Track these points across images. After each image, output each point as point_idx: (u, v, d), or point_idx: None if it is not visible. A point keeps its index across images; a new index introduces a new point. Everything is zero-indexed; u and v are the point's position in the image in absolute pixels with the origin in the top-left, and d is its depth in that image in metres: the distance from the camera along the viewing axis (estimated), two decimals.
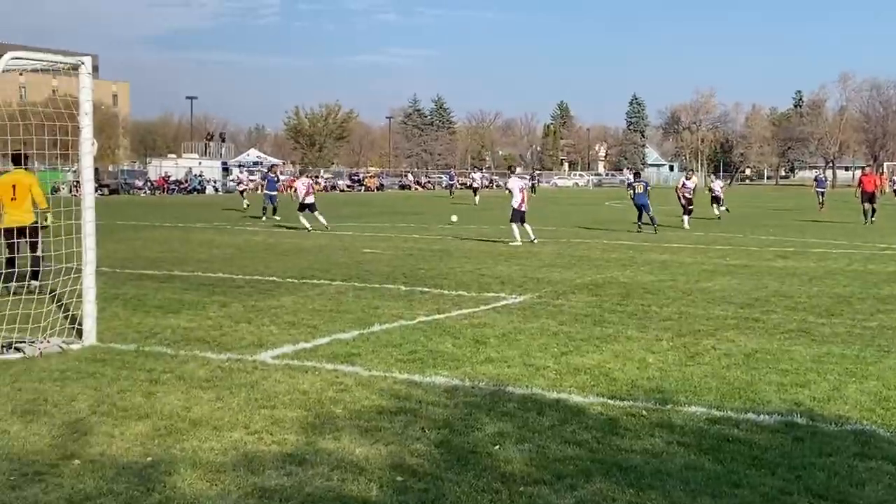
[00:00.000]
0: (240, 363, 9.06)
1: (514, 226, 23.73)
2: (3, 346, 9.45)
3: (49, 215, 13.96)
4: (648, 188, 30.08)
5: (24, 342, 9.52)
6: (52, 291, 11.48)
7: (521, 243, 23.10)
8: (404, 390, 8.01)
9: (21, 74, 10.83)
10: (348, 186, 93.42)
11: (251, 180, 49.26)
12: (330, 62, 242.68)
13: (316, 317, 11.85)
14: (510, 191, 24.33)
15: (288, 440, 6.58)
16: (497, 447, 6.45)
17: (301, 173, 45.19)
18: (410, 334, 10.63)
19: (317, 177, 44.94)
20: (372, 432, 6.76)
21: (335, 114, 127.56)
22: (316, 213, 29.20)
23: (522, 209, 23.85)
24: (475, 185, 61.97)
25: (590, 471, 5.99)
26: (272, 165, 46.91)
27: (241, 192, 49.05)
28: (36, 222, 14.20)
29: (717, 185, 40.03)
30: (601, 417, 7.25)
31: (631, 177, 33.69)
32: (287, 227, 30.06)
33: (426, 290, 14.60)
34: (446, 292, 14.34)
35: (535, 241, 23.36)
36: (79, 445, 6.42)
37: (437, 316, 12.00)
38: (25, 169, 14.53)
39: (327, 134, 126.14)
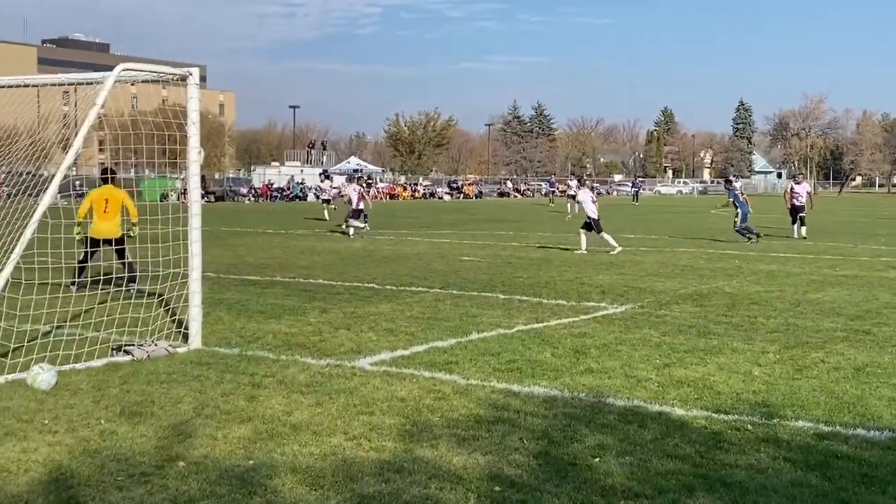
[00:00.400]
0: (339, 369, 9.17)
1: (605, 235, 23.70)
2: (113, 349, 9.77)
3: (136, 227, 14.64)
4: (736, 195, 29.20)
5: (133, 345, 9.83)
6: (159, 296, 11.82)
7: (585, 252, 23.14)
8: (502, 400, 7.98)
9: (133, 85, 11.18)
10: (447, 194, 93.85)
11: (334, 188, 46.36)
12: (430, 70, 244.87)
13: (414, 324, 11.92)
14: (580, 202, 24.65)
15: (386, 447, 6.63)
16: (597, 459, 6.38)
17: (351, 180, 42.70)
18: (509, 343, 10.60)
19: (369, 184, 42.93)
20: (470, 441, 6.75)
21: (434, 121, 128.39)
22: (360, 219, 30.21)
23: (598, 218, 23.87)
24: (571, 192, 61.34)
25: (692, 486, 5.87)
26: (357, 174, 44.45)
27: (324, 203, 44.77)
28: (122, 237, 14.87)
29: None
30: (704, 431, 7.10)
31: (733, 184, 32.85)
32: (378, 236, 30.31)
33: (525, 298, 14.54)
34: (545, 301, 14.26)
35: (586, 251, 23.24)
36: (183, 447, 6.59)
37: (535, 325, 11.94)
38: (113, 183, 15.44)
39: (426, 141, 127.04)
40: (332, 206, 42.70)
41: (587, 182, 28.51)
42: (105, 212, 15.00)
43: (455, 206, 64.24)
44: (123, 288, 13.59)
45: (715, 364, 9.56)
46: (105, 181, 15.42)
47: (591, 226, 23.79)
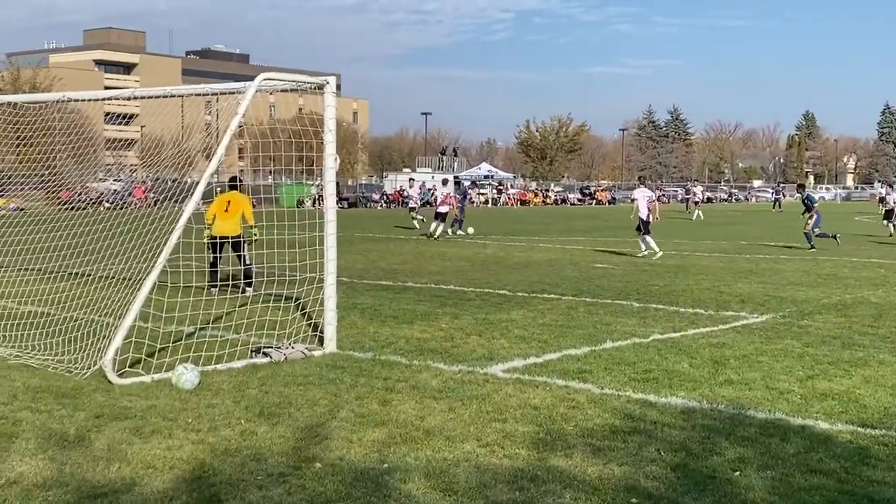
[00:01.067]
0: (471, 375, 9.21)
1: (647, 238, 23.92)
2: (252, 351, 10.08)
3: (256, 230, 15.42)
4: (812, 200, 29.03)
5: (272, 347, 10.11)
6: (296, 300, 12.13)
7: (647, 253, 23.60)
8: (638, 410, 7.87)
9: (271, 94, 11.51)
10: (579, 200, 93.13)
11: (421, 196, 45.12)
12: (562, 75, 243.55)
13: (546, 331, 11.87)
14: (635, 201, 24.98)
15: (519, 455, 6.62)
16: (737, 473, 6.21)
17: (445, 183, 43.60)
18: (644, 352, 10.45)
19: (465, 194, 40.31)
20: (605, 452, 6.68)
21: (566, 126, 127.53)
22: (443, 224, 31.93)
23: (648, 220, 24.15)
24: (696, 199, 59.84)
25: (837, 502, 5.65)
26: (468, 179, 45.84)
27: (412, 210, 41.66)
28: (240, 235, 15.83)
29: (893, 196, 35.22)
30: (850, 446, 6.82)
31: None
32: (509, 243, 30.25)
33: (660, 307, 14.30)
34: (682, 310, 13.98)
35: (644, 255, 23.53)
36: (319, 449, 6.73)
37: (672, 334, 11.73)
38: (240, 190, 16.56)
39: (558, 147, 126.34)
40: (420, 217, 39.93)
41: (647, 182, 28.92)
42: (226, 211, 15.98)
43: (587, 212, 63.71)
44: (240, 293, 14.09)
45: (860, 376, 9.18)
46: (231, 188, 16.60)
47: (639, 227, 24.09)
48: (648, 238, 23.96)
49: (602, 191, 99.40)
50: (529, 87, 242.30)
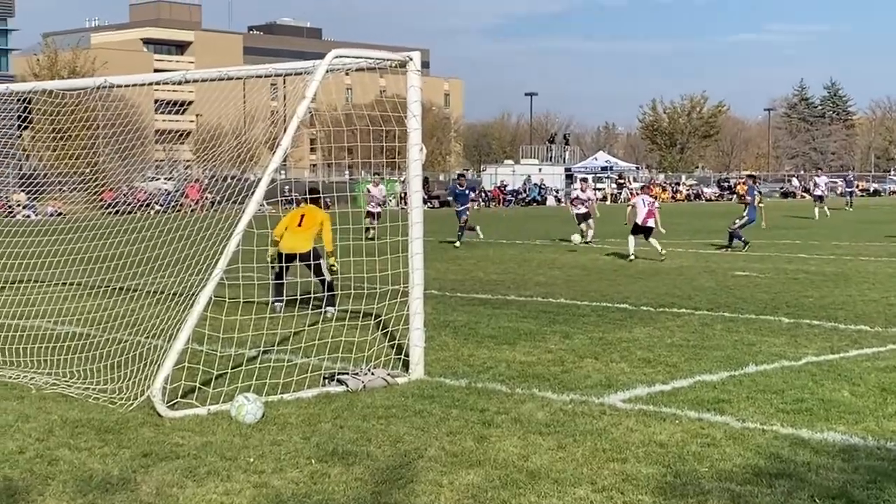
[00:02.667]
0: (585, 406, 9.17)
1: (631, 238, 25.14)
2: (325, 378, 10.20)
3: (333, 260, 15.24)
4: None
5: (348, 374, 10.21)
6: (376, 317, 12.24)
7: (662, 252, 24.40)
8: (788, 448, 7.75)
9: (347, 74, 11.65)
10: (716, 195, 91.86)
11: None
12: (694, 45, 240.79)
13: (676, 353, 11.75)
14: (634, 207, 25.90)
15: (642, 501, 6.56)
16: None
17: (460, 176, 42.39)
18: (795, 378, 10.28)
19: (474, 189, 40.41)
20: (746, 498, 6.60)
21: (700, 107, 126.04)
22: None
23: (647, 224, 24.90)
24: (818, 192, 54.99)
25: None
26: (459, 175, 40.30)
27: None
28: (309, 252, 15.59)
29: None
30: None
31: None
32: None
33: (815, 323, 14.03)
34: (842, 326, 13.70)
35: (663, 256, 24.37)
36: (403, 494, 6.78)
37: (829, 356, 11.53)
38: (317, 204, 16.46)
39: (691, 131, 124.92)
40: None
41: (648, 189, 30.58)
42: (298, 226, 15.74)
43: (726, 209, 62.72)
44: (322, 310, 14.18)
45: None
46: (308, 201, 16.50)
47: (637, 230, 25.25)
48: (652, 240, 24.92)
49: (743, 183, 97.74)
50: (654, 61, 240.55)
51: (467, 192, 33.54)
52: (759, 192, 30.28)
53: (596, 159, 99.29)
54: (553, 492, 6.78)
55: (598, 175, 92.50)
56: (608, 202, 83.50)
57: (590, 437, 8.10)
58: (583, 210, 32.19)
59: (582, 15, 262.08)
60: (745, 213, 28.86)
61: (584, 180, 43.03)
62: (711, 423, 8.53)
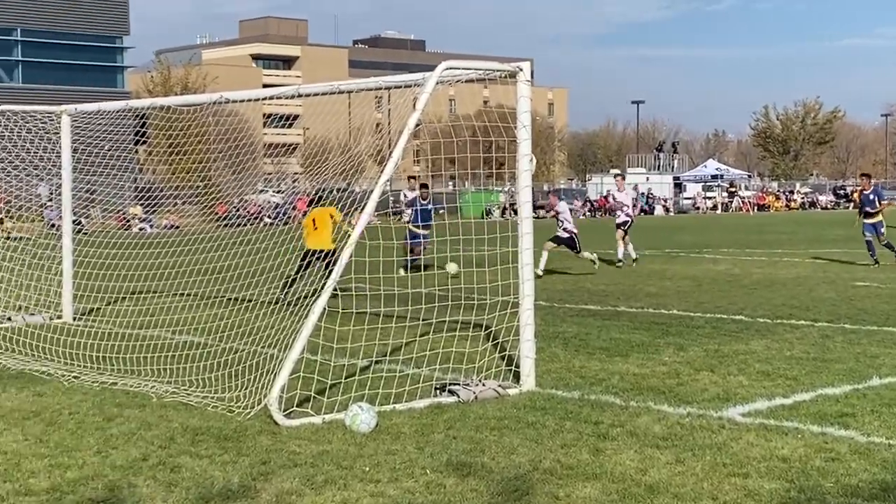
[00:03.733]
0: (702, 419, 9.07)
1: (584, 253, 24.28)
2: (437, 388, 10.25)
3: (345, 226, 16.69)
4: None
5: (459, 385, 10.24)
6: (486, 328, 12.26)
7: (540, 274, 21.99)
8: None
9: (451, 86, 11.71)
10: (832, 203, 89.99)
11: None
12: (806, 50, 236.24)
13: (795, 366, 11.55)
14: (560, 215, 24.41)
15: None
16: None
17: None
18: None
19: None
20: None
21: (814, 113, 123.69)
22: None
23: (574, 238, 23.96)
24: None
25: None
26: (422, 185, 25.54)
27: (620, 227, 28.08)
28: (330, 251, 17.06)
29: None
30: None
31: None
32: (745, 257, 29.45)
33: None
34: None
35: (541, 273, 22.13)
36: None
37: None
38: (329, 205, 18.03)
39: (805, 138, 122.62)
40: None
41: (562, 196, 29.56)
42: (315, 229, 17.82)
43: (843, 218, 61.40)
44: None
45: None
46: (314, 206, 18.55)
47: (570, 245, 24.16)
48: (585, 253, 24.33)
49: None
50: (766, 67, 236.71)
51: (430, 208, 25.07)
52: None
53: (706, 167, 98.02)
54: None
55: (708, 183, 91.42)
56: (718, 211, 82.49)
57: (709, 452, 8.00)
58: (622, 217, 27.28)
59: (689, 22, 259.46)
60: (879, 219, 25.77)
61: (620, 175, 33.03)
62: (835, 437, 8.37)
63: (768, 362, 11.82)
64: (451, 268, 17.97)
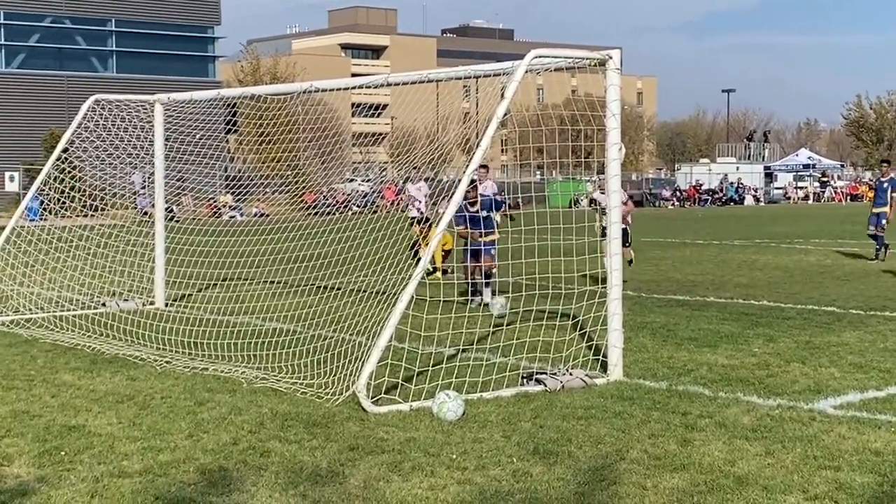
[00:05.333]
0: (792, 411, 8.95)
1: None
2: (523, 377, 10.25)
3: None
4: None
5: (546, 373, 10.24)
6: (573, 318, 12.22)
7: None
8: None
9: (539, 75, 11.68)
10: None
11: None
12: None
13: (889, 358, 11.34)
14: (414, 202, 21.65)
15: None
16: None
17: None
18: None
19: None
20: None
21: None
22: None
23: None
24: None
25: None
26: (472, 183, 13.10)
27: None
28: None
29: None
30: None
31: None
32: (836, 248, 28.93)
33: None
34: None
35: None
36: (606, 496, 6.76)
37: None
38: None
39: None
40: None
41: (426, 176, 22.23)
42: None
43: None
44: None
45: None
46: None
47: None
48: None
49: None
50: (861, 55, 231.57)
51: (495, 200, 17.18)
52: None
53: (797, 156, 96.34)
54: (762, 499, 6.64)
55: (799, 173, 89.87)
56: (810, 201, 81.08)
57: (799, 444, 7.90)
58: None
59: (783, 8, 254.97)
60: None
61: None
62: None
63: (861, 354, 11.61)
64: (496, 307, 14.39)
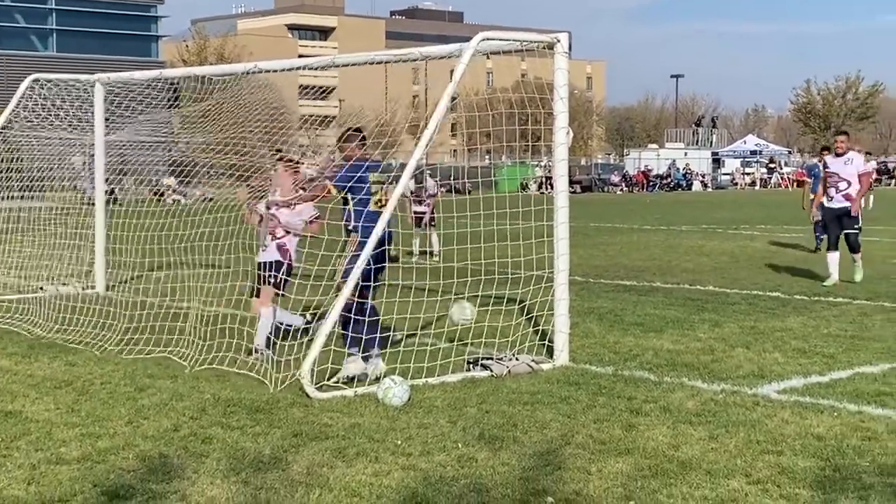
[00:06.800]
0: (736, 396, 9.06)
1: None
2: (469, 363, 10.28)
3: None
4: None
5: (492, 359, 10.27)
6: (520, 302, 12.26)
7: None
8: None
9: (488, 58, 11.69)
10: (874, 180, 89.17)
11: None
12: (849, 25, 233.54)
13: (833, 344, 11.49)
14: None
15: (800, 496, 6.45)
16: None
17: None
18: None
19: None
20: None
21: (856, 88, 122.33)
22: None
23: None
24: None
25: None
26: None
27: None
28: None
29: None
30: None
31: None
32: (783, 234, 29.29)
33: None
34: None
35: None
36: (551, 481, 6.79)
37: None
38: None
39: (845, 113, 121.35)
40: None
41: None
42: None
43: (884, 195, 60.94)
44: None
45: None
46: None
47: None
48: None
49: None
50: (809, 42, 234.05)
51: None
52: None
53: (745, 143, 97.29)
54: (705, 483, 6.71)
55: (746, 159, 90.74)
56: (757, 187, 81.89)
57: (743, 428, 7.99)
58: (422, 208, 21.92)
59: None
60: None
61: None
62: (872, 416, 8.33)
63: (805, 339, 11.76)
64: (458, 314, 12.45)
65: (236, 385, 9.54)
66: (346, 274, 9.68)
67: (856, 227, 17.09)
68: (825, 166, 17.40)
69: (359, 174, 10.12)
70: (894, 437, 7.70)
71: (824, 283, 16.33)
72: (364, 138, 10.60)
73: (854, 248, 16.98)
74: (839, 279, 16.56)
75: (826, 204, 17.15)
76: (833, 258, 16.69)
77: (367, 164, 10.29)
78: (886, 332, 12.23)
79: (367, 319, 10.00)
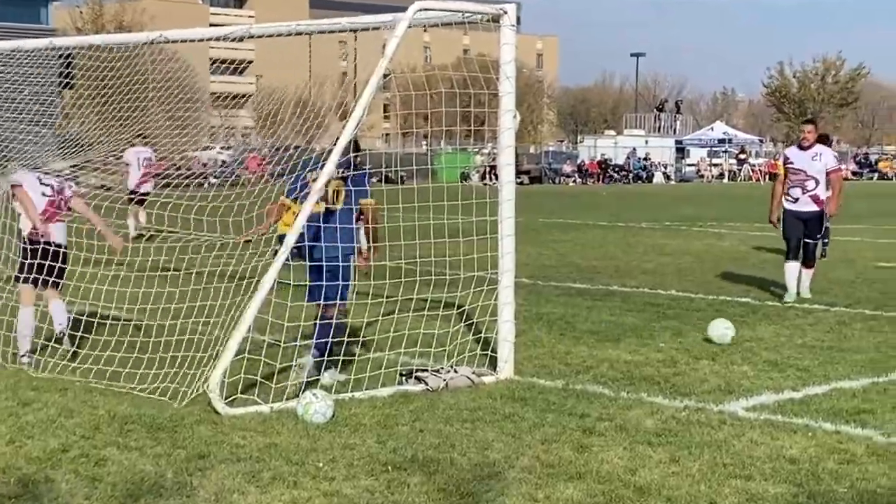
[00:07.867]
0: (701, 414, 9.13)
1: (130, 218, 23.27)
2: (402, 375, 10.28)
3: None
4: None
5: (427, 371, 10.27)
6: (459, 307, 12.26)
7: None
8: None
9: (426, 30, 11.65)
10: (854, 173, 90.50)
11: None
12: (826, 1, 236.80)
13: (808, 355, 11.63)
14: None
15: None
16: None
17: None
18: None
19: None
20: None
21: (836, 71, 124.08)
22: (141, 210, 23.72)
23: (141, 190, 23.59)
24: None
25: None
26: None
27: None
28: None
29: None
30: None
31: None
32: (751, 232, 29.63)
33: None
34: None
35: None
36: None
37: None
38: None
39: (824, 99, 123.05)
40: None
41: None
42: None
43: (868, 190, 61.88)
44: None
45: None
46: None
47: None
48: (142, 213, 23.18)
49: (887, 160, 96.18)
50: (783, 19, 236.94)
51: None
52: None
53: (712, 130, 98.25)
54: None
55: (714, 148, 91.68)
56: (725, 179, 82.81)
57: (707, 450, 8.05)
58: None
59: None
60: None
61: None
62: (851, 436, 8.43)
63: (777, 351, 11.88)
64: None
65: (135, 400, 9.45)
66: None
67: (818, 236, 16.21)
68: (786, 161, 16.10)
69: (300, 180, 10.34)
70: (875, 461, 7.80)
71: (784, 300, 15.54)
72: None
73: (810, 259, 15.98)
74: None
75: (788, 206, 15.73)
76: (792, 269, 15.77)
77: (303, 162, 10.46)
78: (867, 342, 12.40)
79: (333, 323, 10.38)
